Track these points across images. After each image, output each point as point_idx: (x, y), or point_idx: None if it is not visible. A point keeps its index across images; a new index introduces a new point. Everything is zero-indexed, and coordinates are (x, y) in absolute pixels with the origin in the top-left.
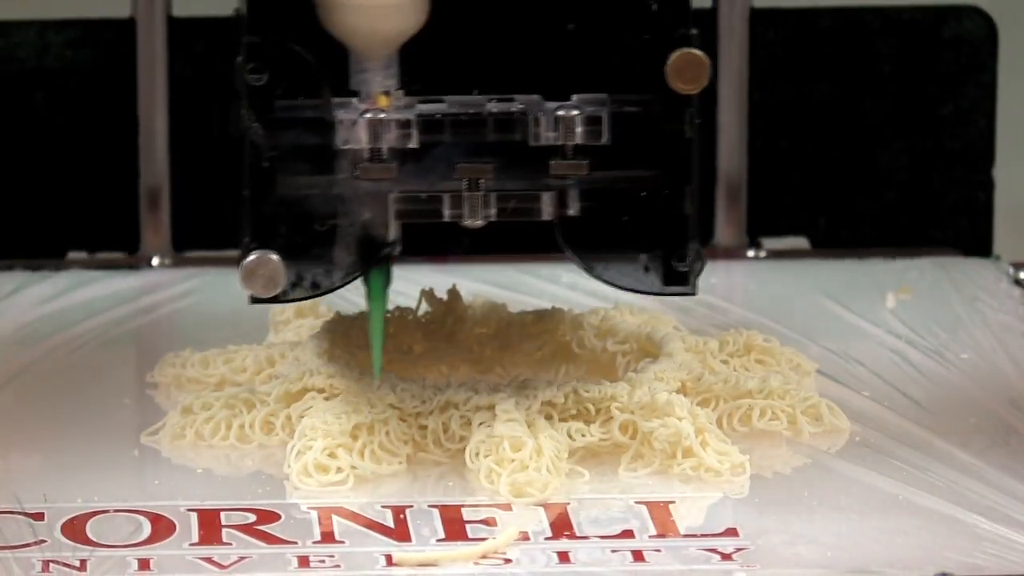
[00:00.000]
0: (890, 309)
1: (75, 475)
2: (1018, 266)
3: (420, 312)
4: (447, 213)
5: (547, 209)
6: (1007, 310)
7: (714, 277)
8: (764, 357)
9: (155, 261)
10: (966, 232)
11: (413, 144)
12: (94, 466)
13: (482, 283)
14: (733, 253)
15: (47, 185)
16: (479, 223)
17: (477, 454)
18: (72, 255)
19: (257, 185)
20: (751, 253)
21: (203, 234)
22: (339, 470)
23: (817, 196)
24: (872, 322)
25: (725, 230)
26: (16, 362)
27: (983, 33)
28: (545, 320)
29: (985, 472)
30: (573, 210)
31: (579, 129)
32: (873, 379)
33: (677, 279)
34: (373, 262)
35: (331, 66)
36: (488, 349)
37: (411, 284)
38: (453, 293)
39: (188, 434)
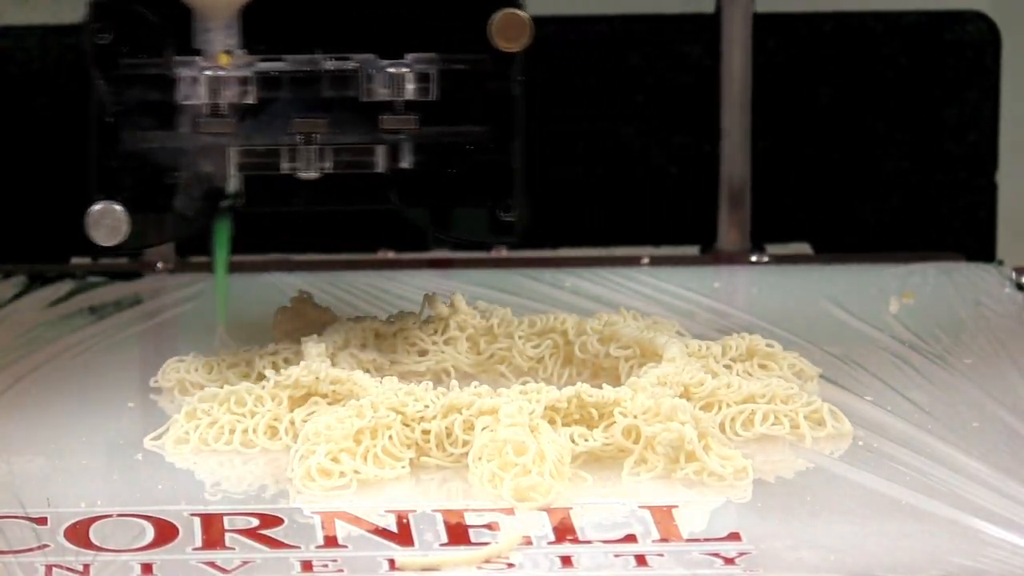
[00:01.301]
0: (893, 314)
1: (78, 479)
2: (1021, 271)
3: (423, 316)
4: (284, 166)
5: (380, 162)
6: (1010, 315)
7: (717, 282)
8: (767, 362)
9: (158, 266)
10: (969, 237)
11: (251, 100)
12: (97, 470)
13: (485, 288)
14: (736, 258)
15: (51, 190)
16: (314, 175)
17: (480, 458)
18: (76, 260)
19: (102, 139)
20: (754, 258)
21: (206, 239)
22: (342, 475)
23: (820, 201)
24: (875, 327)
25: (728, 235)
26: (20, 367)
27: (986, 38)
28: (548, 325)
29: (988, 476)
30: (405, 163)
31: (410, 86)
32: (876, 383)
33: (503, 229)
34: (215, 213)
35: (175, 26)
36: (491, 354)
37: (413, 289)
38: (456, 298)
39: (192, 439)
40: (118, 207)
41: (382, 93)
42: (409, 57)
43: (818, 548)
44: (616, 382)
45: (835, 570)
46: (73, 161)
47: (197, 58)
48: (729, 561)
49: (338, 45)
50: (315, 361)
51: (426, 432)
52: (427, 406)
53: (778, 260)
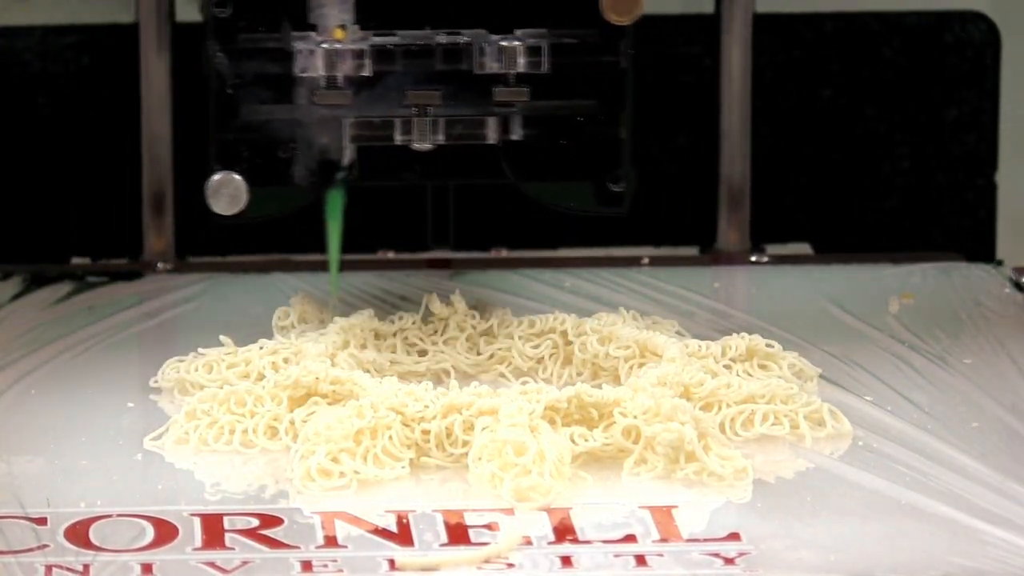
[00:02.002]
0: (893, 314)
1: (78, 479)
2: (1020, 271)
3: (423, 316)
4: (398, 138)
5: (492, 134)
6: (1010, 315)
7: (717, 282)
8: (767, 362)
9: (158, 267)
10: (969, 237)
11: (367, 72)
12: (97, 470)
13: (485, 288)
14: (736, 258)
15: (50, 191)
16: (427, 147)
17: (480, 459)
18: (75, 261)
19: (221, 111)
20: (754, 258)
21: (206, 240)
22: (342, 475)
23: (820, 201)
24: (875, 327)
25: (728, 235)
26: (20, 367)
27: (986, 38)
28: (548, 325)
29: (988, 476)
30: (516, 135)
31: (521, 59)
32: (876, 384)
33: (611, 200)
34: (330, 183)
35: (291, 1)
36: (491, 354)
37: (414, 289)
38: (456, 298)
39: (192, 439)
40: (237, 176)
41: (494, 67)
42: (519, 32)
43: (818, 548)
44: (616, 382)
45: (835, 570)
46: (73, 161)
47: (312, 33)
48: (729, 561)
49: (448, 21)
50: (315, 361)
51: (426, 432)
52: (427, 406)
53: (778, 260)
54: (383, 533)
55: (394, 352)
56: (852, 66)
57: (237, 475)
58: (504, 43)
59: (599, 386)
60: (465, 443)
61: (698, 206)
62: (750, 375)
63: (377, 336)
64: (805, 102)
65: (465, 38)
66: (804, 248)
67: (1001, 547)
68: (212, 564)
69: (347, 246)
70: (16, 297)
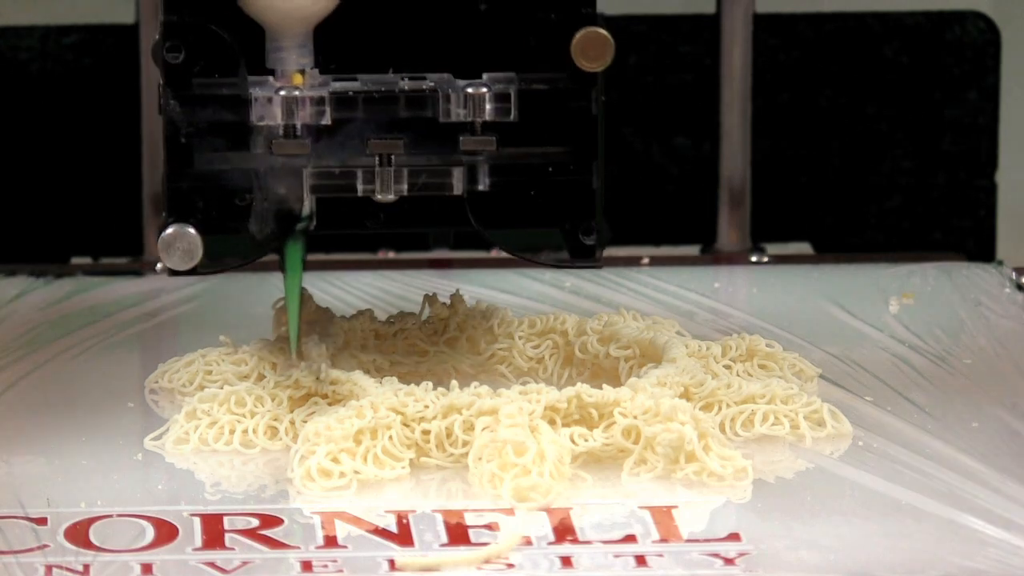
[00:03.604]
0: (893, 314)
1: (78, 479)
2: (1021, 271)
3: (423, 316)
4: (360, 188)
5: (458, 184)
6: (1010, 315)
7: (717, 282)
8: (767, 362)
9: (159, 266)
10: (969, 237)
11: (327, 121)
12: (97, 470)
13: (485, 288)
14: (736, 258)
15: (51, 190)
16: (391, 198)
17: (480, 459)
18: (76, 260)
19: (175, 160)
20: (754, 258)
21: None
22: (342, 475)
23: (820, 201)
24: (875, 327)
25: (728, 235)
26: (20, 366)
27: (986, 38)
28: (548, 325)
29: (988, 477)
30: (483, 185)
31: (488, 106)
32: (876, 384)
33: (584, 252)
34: (289, 236)
35: (246, 45)
36: (491, 354)
37: (414, 289)
38: (456, 298)
39: (192, 439)
40: (191, 230)
41: (460, 113)
42: (486, 76)
43: (818, 548)
44: (616, 382)
45: (835, 570)
46: (72, 161)
47: (270, 78)
48: (729, 561)
49: (411, 64)
50: (315, 361)
51: (426, 432)
52: (427, 406)
53: (778, 260)
54: (383, 533)
55: (394, 352)
56: (852, 66)
57: (237, 475)
58: (471, 90)
59: (599, 386)
60: (465, 443)
61: (698, 206)
62: (750, 375)
63: (377, 336)
64: (805, 102)
65: (430, 83)
66: (804, 248)
67: (1001, 547)
68: (212, 564)
69: (347, 246)
70: (16, 297)
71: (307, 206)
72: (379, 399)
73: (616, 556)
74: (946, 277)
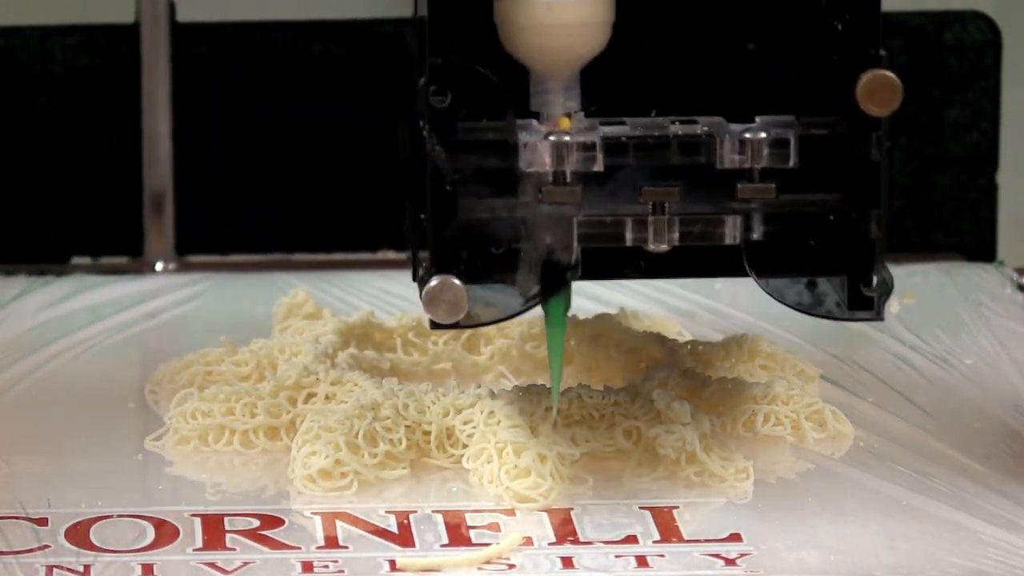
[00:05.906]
0: (894, 314)
1: (79, 480)
2: (1022, 271)
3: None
4: (630, 237)
5: (731, 233)
6: (1011, 315)
7: (718, 283)
8: (768, 363)
9: (159, 266)
10: (970, 237)
11: (598, 167)
12: (98, 471)
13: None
14: None
15: (51, 190)
16: (664, 247)
17: (480, 459)
18: (76, 260)
19: (439, 209)
20: None
21: (207, 239)
22: (343, 475)
23: None
24: (876, 327)
25: None
26: (20, 367)
27: (987, 38)
28: None
29: (989, 477)
30: (758, 234)
31: (766, 152)
32: (877, 384)
33: (863, 303)
34: (556, 287)
35: (511, 87)
36: (491, 354)
37: (414, 289)
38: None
39: (192, 439)
40: (456, 282)
41: (734, 159)
42: (759, 120)
43: (819, 549)
44: (617, 383)
45: (836, 571)
46: (72, 161)
47: (533, 121)
48: (730, 562)
49: (679, 108)
50: (315, 361)
51: (427, 433)
52: (427, 407)
53: None
54: (384, 534)
55: (394, 352)
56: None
57: (237, 475)
58: (748, 135)
59: (600, 387)
60: (466, 444)
61: None
62: (751, 376)
63: (377, 336)
64: None
65: (705, 128)
66: None
67: (1001, 547)
68: (213, 565)
69: (347, 246)
70: (16, 297)
71: (574, 256)
72: (379, 399)
73: (617, 556)
74: (947, 277)
